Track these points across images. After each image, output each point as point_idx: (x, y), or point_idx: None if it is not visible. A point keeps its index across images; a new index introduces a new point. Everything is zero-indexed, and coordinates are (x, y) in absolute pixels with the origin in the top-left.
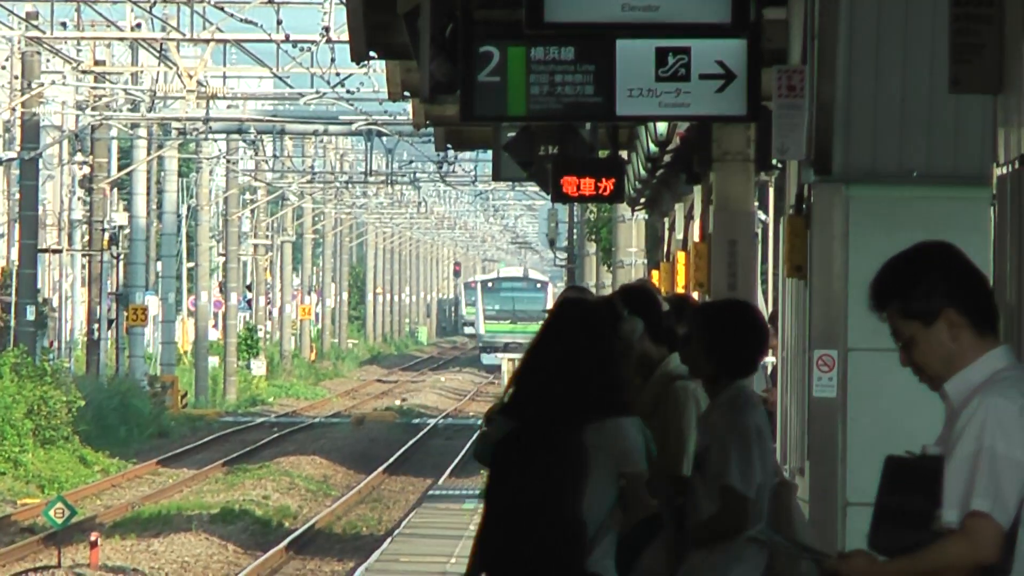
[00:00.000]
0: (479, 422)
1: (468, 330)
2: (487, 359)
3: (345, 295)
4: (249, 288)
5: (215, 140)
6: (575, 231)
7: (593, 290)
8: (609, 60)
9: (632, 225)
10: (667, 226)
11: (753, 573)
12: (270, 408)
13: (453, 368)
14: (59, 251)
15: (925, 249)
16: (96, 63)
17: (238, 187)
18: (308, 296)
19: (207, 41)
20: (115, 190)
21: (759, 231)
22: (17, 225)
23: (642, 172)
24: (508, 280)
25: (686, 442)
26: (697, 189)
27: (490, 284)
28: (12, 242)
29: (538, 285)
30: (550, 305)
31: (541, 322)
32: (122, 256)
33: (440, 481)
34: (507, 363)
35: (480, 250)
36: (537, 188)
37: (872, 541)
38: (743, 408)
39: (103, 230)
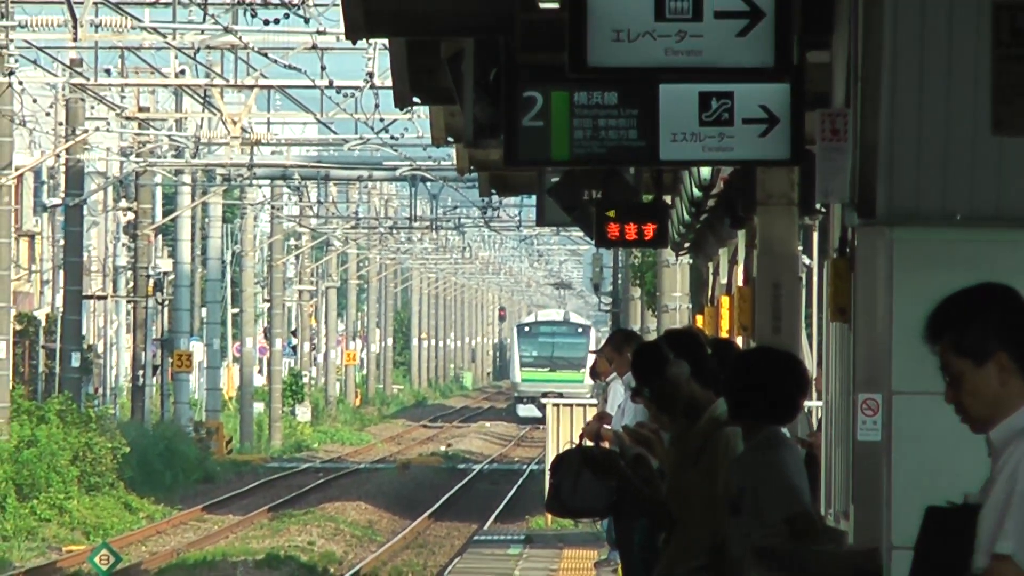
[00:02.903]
0: (524, 467)
1: None
2: (523, 411)
3: (390, 340)
4: (294, 334)
5: (259, 186)
6: (619, 275)
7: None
8: (652, 104)
9: (676, 269)
10: (711, 270)
11: None
12: (315, 454)
13: (490, 417)
14: (104, 297)
15: (988, 288)
16: (140, 109)
17: (283, 233)
18: (353, 342)
19: (251, 87)
20: (159, 236)
21: (803, 275)
22: (62, 271)
23: (686, 216)
24: (547, 324)
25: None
26: (741, 233)
27: (527, 328)
28: (57, 288)
29: (579, 330)
30: (592, 350)
31: (583, 370)
32: (167, 302)
33: (485, 526)
34: (551, 408)
35: (525, 295)
36: (581, 233)
37: None
38: (773, 448)
39: (147, 276)
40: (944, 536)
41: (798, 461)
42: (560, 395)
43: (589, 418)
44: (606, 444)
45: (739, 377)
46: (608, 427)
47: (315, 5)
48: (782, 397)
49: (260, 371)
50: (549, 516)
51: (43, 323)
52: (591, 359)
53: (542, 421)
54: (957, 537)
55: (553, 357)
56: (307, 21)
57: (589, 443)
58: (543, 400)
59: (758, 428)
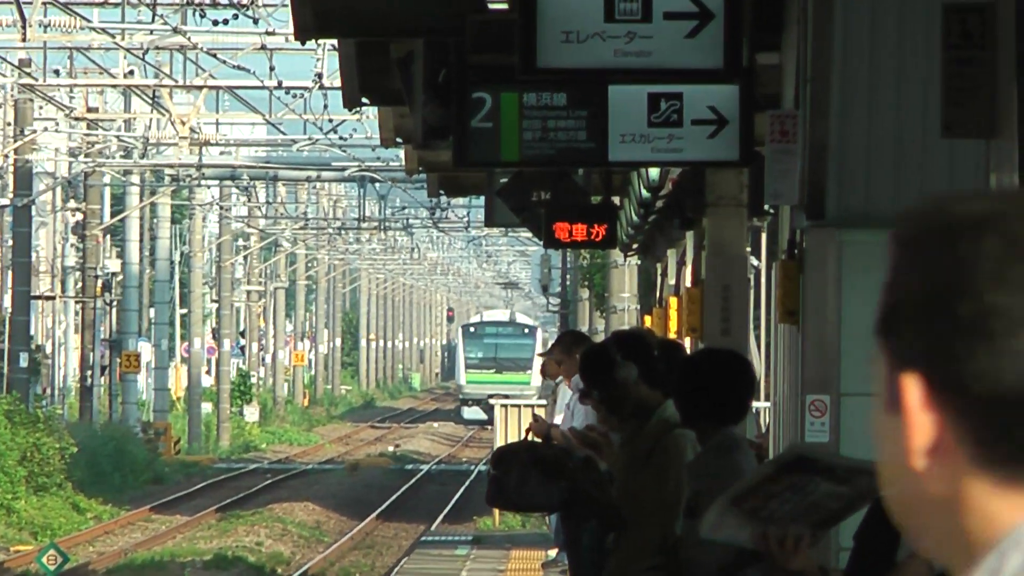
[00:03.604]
0: (472, 468)
1: None
2: (469, 413)
3: (338, 341)
4: (242, 334)
5: (208, 186)
6: (568, 277)
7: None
8: (602, 106)
9: (625, 271)
10: (660, 271)
11: None
12: (263, 454)
13: (438, 418)
14: (52, 298)
15: None
16: (89, 110)
17: (231, 233)
18: (301, 342)
19: (200, 88)
20: (108, 237)
21: (752, 276)
22: (10, 272)
23: (635, 217)
24: (493, 324)
25: (683, 491)
26: (690, 234)
27: (472, 329)
28: (5, 289)
29: (526, 330)
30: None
31: (529, 371)
32: (115, 303)
33: (433, 527)
34: (499, 409)
35: (474, 296)
36: (530, 234)
37: None
38: (729, 452)
39: (96, 277)
40: (880, 526)
41: (753, 465)
42: (506, 397)
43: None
44: (555, 442)
45: (688, 380)
46: (556, 424)
47: (264, 6)
48: (731, 398)
49: (208, 372)
50: (497, 517)
51: None
52: (538, 360)
53: (487, 423)
54: (891, 527)
55: (498, 358)
56: (256, 22)
57: (538, 439)
58: (491, 401)
59: (713, 431)
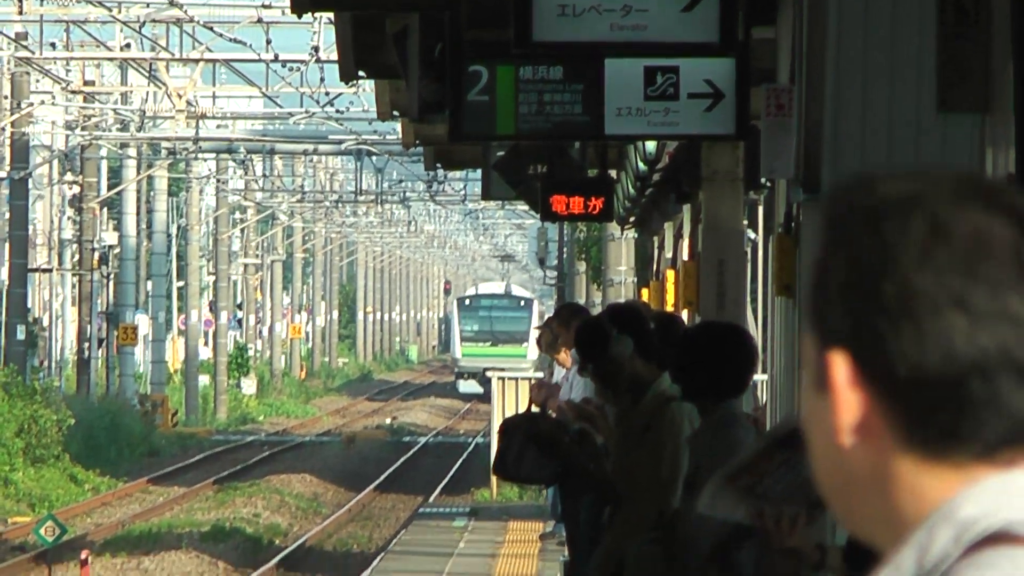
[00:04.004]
0: (469, 440)
1: None
2: (464, 387)
3: (335, 314)
4: (239, 307)
5: (205, 160)
6: (565, 250)
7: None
8: (598, 79)
9: (622, 244)
10: (656, 245)
11: None
12: (260, 426)
13: (434, 392)
14: (49, 270)
15: None
16: (85, 83)
17: (228, 206)
18: (298, 315)
19: (196, 61)
20: (105, 209)
21: (748, 250)
22: (7, 245)
23: (631, 191)
24: (488, 297)
25: (680, 464)
26: (686, 208)
27: (467, 301)
28: (2, 262)
29: (522, 303)
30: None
31: (525, 344)
32: (112, 275)
33: (431, 499)
34: (497, 381)
35: (470, 268)
36: (527, 207)
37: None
38: (728, 426)
39: (93, 249)
40: None
41: (752, 439)
42: (502, 370)
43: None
44: (552, 413)
45: (686, 354)
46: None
47: None
48: (730, 372)
49: (205, 344)
50: (494, 489)
51: None
52: (534, 333)
53: (483, 397)
54: None
55: (494, 331)
56: None
57: (536, 409)
58: (488, 374)
59: (713, 405)
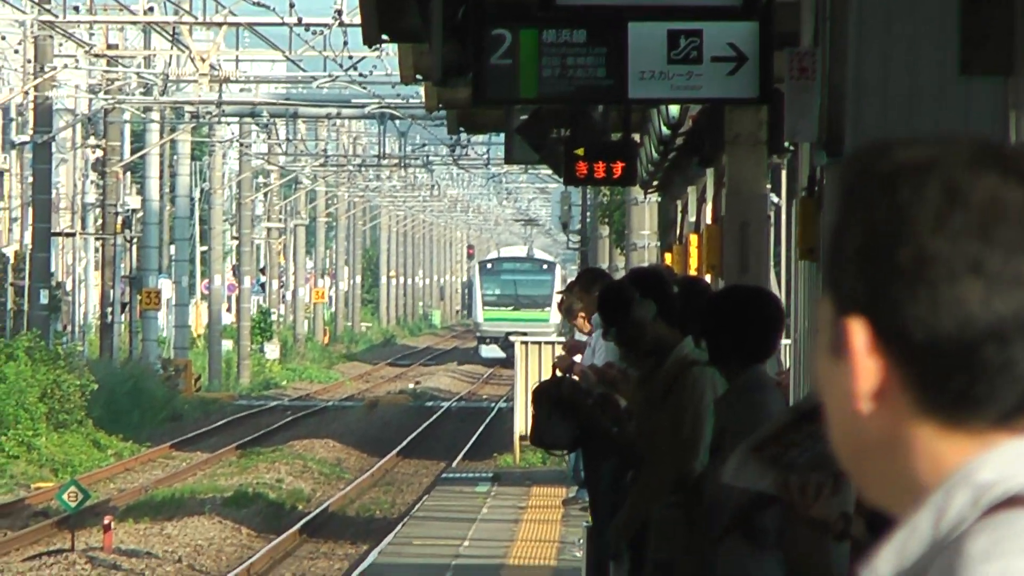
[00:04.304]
0: (492, 405)
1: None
2: (487, 352)
3: (358, 278)
4: (262, 271)
5: (228, 124)
6: (588, 214)
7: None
8: (621, 43)
9: (645, 208)
10: (679, 209)
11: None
12: (283, 391)
13: (457, 357)
14: (72, 235)
15: None
16: (109, 47)
17: (251, 170)
18: (321, 279)
19: (220, 24)
20: (128, 174)
21: (771, 214)
22: (30, 209)
23: (654, 155)
24: (510, 260)
25: (703, 427)
26: (709, 172)
27: (489, 265)
28: (25, 226)
29: (544, 266)
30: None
31: (548, 308)
32: (135, 240)
33: (453, 464)
34: (520, 346)
35: (493, 233)
36: (550, 171)
37: None
38: (755, 390)
39: (116, 213)
40: None
41: (780, 405)
42: (525, 335)
43: (559, 355)
44: (576, 378)
45: (712, 317)
46: (579, 359)
47: None
48: (756, 335)
49: (228, 309)
50: (517, 455)
51: (11, 260)
52: (557, 298)
53: (505, 362)
54: None
55: (517, 295)
56: None
57: (560, 374)
58: (511, 339)
59: (739, 369)
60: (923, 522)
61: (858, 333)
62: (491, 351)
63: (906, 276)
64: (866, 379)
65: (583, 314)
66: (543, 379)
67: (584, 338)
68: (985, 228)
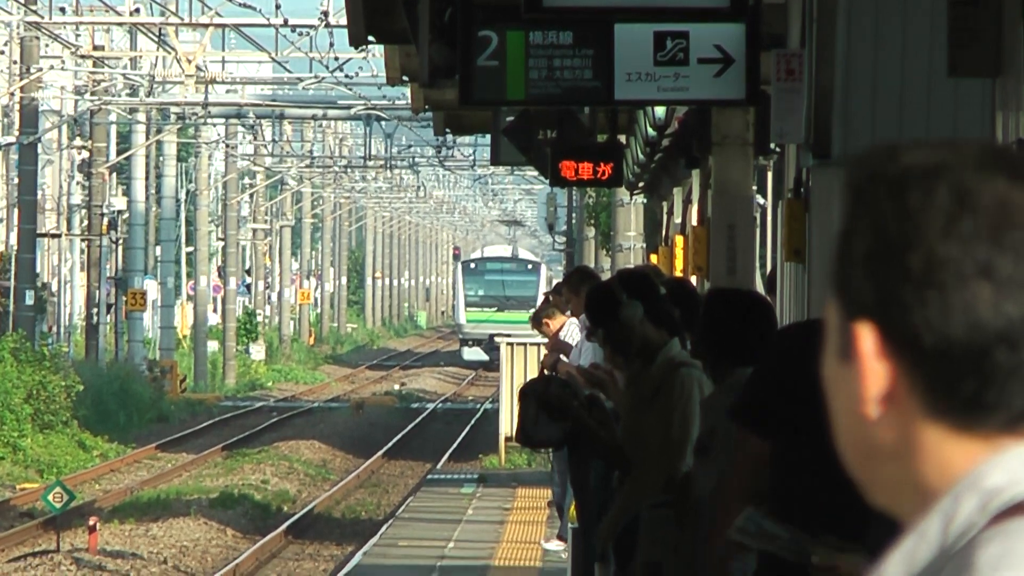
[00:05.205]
0: (477, 407)
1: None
2: (469, 354)
3: (344, 279)
4: (248, 272)
5: (214, 125)
6: (574, 215)
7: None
8: (607, 44)
9: (631, 209)
10: (666, 210)
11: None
12: (269, 392)
13: (441, 359)
14: (58, 236)
15: None
16: (95, 48)
17: (237, 172)
18: (307, 280)
19: (206, 26)
20: (114, 175)
21: (758, 215)
22: (16, 210)
23: (640, 156)
24: (494, 260)
25: (691, 428)
26: (695, 173)
27: (472, 265)
28: (11, 227)
29: (529, 266)
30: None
31: (533, 309)
32: (121, 241)
33: (439, 465)
34: (505, 347)
35: (479, 234)
36: (536, 172)
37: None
38: None
39: (102, 215)
40: None
41: None
42: (508, 336)
43: (545, 354)
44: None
45: (701, 319)
46: (565, 359)
47: None
48: (745, 337)
49: (214, 310)
50: (503, 456)
51: None
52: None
53: (488, 366)
54: None
55: (500, 296)
56: None
57: (546, 371)
58: (496, 340)
59: (727, 370)
60: (931, 528)
61: (866, 337)
62: (474, 353)
63: (915, 280)
64: (874, 383)
65: (548, 320)
66: (529, 379)
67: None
68: (995, 232)
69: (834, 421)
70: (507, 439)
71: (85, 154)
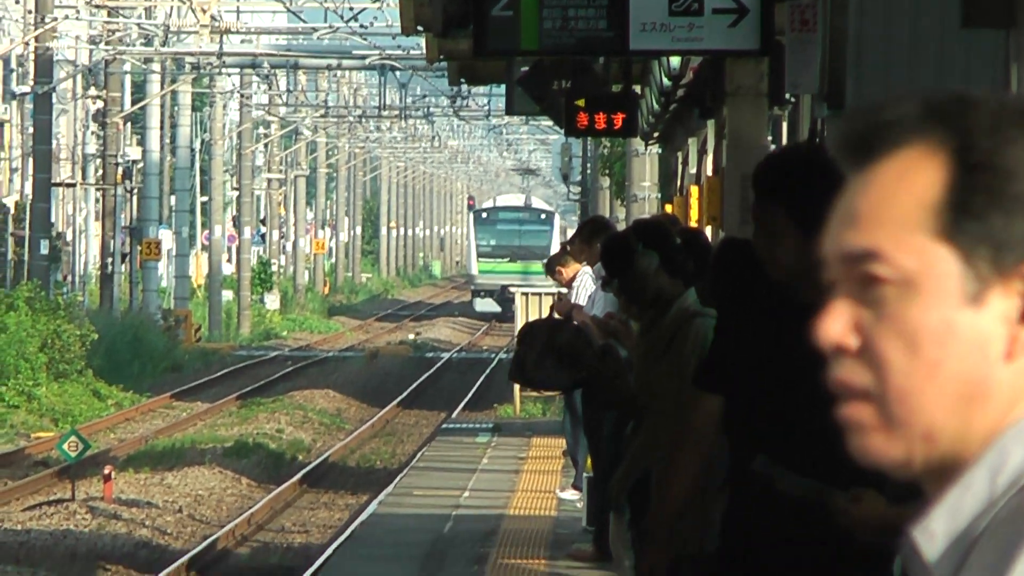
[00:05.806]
0: (492, 356)
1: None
2: (481, 305)
3: (359, 229)
4: (263, 222)
5: (228, 75)
6: (588, 165)
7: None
8: None
9: (645, 159)
10: (680, 160)
11: None
12: (284, 342)
13: (453, 310)
14: (73, 185)
15: None
16: None
17: (252, 121)
18: (322, 230)
19: None
20: (129, 124)
21: None
22: (31, 159)
23: (655, 106)
24: (507, 210)
25: None
26: (710, 123)
27: (484, 215)
28: (26, 176)
29: (542, 216)
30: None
31: (546, 260)
32: (136, 190)
33: (454, 415)
34: (520, 297)
35: (494, 184)
36: (551, 122)
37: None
38: None
39: (117, 164)
40: None
41: None
42: (521, 287)
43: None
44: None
45: (712, 268)
46: (581, 305)
47: None
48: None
49: (229, 259)
50: (518, 405)
51: (12, 211)
52: (556, 249)
53: (501, 317)
54: None
55: (513, 246)
56: None
57: (558, 316)
58: (511, 290)
59: None
60: (977, 480)
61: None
62: (486, 305)
63: None
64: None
65: (561, 268)
66: (533, 320)
67: (564, 291)
68: None
69: (927, 366)
70: (521, 389)
71: (100, 104)
